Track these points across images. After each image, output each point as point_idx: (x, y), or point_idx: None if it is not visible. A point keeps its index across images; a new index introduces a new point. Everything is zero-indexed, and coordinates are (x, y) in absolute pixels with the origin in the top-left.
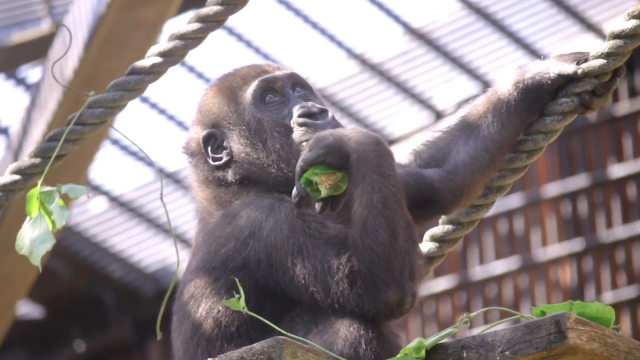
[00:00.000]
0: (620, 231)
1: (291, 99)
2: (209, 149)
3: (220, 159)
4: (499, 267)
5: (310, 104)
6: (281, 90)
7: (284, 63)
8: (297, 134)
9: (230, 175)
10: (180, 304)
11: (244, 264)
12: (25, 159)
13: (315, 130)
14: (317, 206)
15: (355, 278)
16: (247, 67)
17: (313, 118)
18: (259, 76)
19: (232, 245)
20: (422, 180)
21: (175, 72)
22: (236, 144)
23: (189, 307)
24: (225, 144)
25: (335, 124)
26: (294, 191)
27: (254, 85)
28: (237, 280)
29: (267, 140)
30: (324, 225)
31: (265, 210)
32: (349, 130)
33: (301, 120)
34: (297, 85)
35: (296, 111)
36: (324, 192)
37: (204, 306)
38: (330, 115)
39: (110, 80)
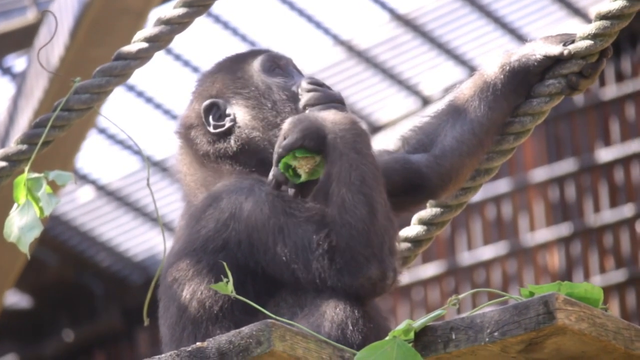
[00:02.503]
0: (608, 215)
1: (295, 75)
2: (210, 118)
3: (222, 125)
4: (487, 252)
5: (316, 77)
6: (285, 68)
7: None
8: (305, 86)
9: (231, 143)
10: (164, 288)
11: (224, 244)
12: (12, 145)
13: (324, 94)
14: (290, 191)
15: (335, 253)
16: (248, 50)
17: (321, 87)
18: (263, 53)
19: (212, 226)
20: (408, 165)
21: (161, 61)
22: (241, 108)
23: (172, 291)
24: (228, 111)
25: (341, 98)
26: (270, 175)
27: (261, 57)
28: (224, 264)
29: (277, 102)
30: (303, 204)
31: (244, 191)
32: (324, 112)
33: (310, 86)
34: (296, 70)
35: (304, 80)
36: (303, 176)
37: (188, 288)
38: (335, 90)
39: (96, 67)
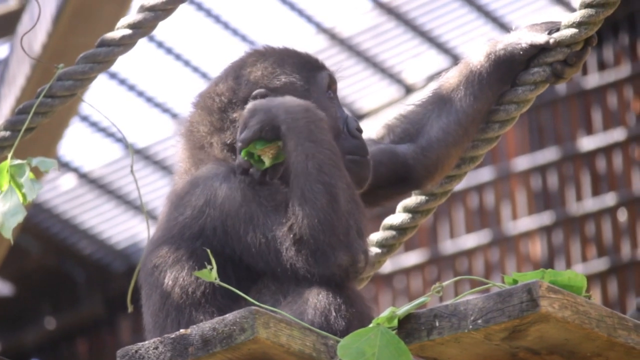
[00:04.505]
0: (590, 204)
1: (338, 106)
2: None
3: None
4: (470, 240)
5: (356, 120)
6: (334, 93)
7: (253, 38)
8: (354, 132)
9: None
10: (145, 275)
11: (201, 231)
12: None
13: (362, 146)
14: (256, 174)
15: (300, 245)
16: (304, 52)
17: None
18: (325, 69)
19: (189, 212)
20: (395, 157)
21: (144, 48)
22: None
23: (154, 278)
24: None
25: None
26: (237, 162)
27: (325, 74)
28: (209, 251)
29: None
30: (274, 192)
31: (219, 178)
32: (280, 99)
33: (357, 133)
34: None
35: (350, 121)
36: (267, 162)
37: (170, 275)
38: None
39: (79, 54)
